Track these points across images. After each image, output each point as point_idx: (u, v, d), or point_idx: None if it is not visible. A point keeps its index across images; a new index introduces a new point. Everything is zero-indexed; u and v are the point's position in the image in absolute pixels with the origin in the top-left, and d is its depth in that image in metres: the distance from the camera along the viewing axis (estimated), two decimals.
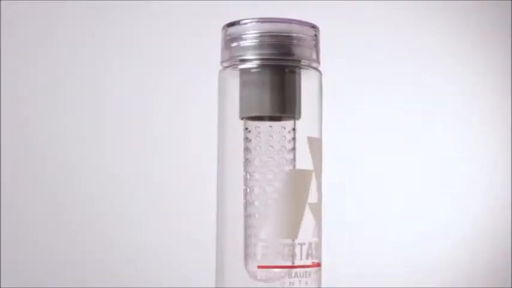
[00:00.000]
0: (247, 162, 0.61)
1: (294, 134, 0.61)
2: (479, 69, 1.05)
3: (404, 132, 1.04)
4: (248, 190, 0.61)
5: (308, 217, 0.60)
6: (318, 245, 0.60)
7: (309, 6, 0.98)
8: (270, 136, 0.61)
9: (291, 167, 0.61)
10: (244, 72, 0.61)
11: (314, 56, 0.62)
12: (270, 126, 0.61)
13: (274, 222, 0.60)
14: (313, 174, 0.60)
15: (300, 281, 0.59)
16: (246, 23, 0.61)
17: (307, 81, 0.61)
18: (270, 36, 0.60)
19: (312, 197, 0.60)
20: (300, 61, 0.61)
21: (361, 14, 1.03)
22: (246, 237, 0.60)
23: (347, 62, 1.00)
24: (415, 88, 1.04)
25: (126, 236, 1.01)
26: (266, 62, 0.60)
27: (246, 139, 0.61)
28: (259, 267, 0.60)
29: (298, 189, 0.60)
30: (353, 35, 1.02)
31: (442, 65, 1.05)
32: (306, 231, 0.60)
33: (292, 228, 0.59)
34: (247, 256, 0.60)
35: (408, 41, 1.04)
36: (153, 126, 1.01)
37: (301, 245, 0.60)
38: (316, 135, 0.61)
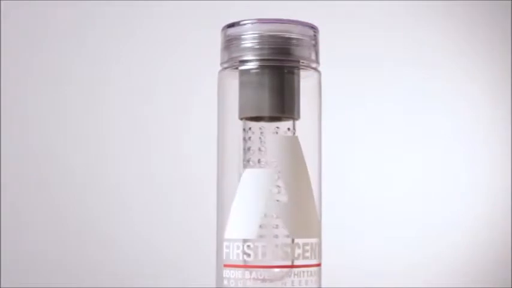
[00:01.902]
0: (246, 162, 0.61)
1: (293, 134, 0.61)
2: (479, 70, 1.05)
3: (404, 132, 1.04)
4: None
5: (269, 217, 0.60)
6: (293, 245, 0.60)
7: (308, 6, 0.98)
8: (269, 136, 0.61)
9: None
10: (243, 73, 0.61)
11: (313, 57, 0.62)
12: (268, 127, 0.61)
13: (234, 221, 0.60)
14: (277, 174, 0.59)
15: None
16: (246, 24, 0.61)
17: (306, 82, 0.62)
18: (269, 37, 0.60)
19: (276, 197, 0.59)
20: (299, 61, 0.61)
21: (360, 15, 1.03)
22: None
23: (346, 62, 1.00)
24: (414, 89, 1.04)
25: (126, 236, 1.01)
26: (265, 63, 0.60)
27: (245, 139, 0.61)
28: (224, 265, 0.60)
29: (254, 188, 0.60)
30: (352, 35, 1.02)
31: (442, 65, 1.05)
32: (268, 231, 0.60)
33: (250, 227, 0.59)
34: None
35: (408, 42, 1.04)
36: (153, 126, 1.01)
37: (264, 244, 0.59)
38: (281, 133, 0.61)
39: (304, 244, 0.60)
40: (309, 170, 0.61)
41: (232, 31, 0.61)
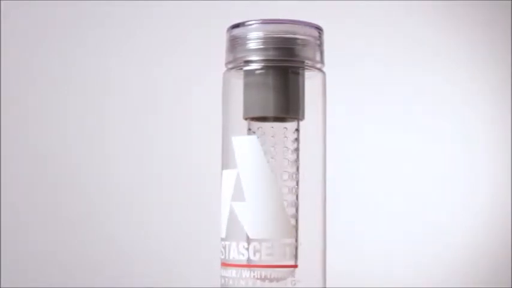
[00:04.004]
0: None
1: (298, 134, 0.61)
2: (479, 70, 1.05)
3: (404, 133, 1.04)
4: None
5: (233, 216, 0.61)
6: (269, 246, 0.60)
7: (313, 7, 0.98)
8: (273, 137, 0.61)
9: (295, 168, 0.61)
10: (248, 73, 0.61)
11: (318, 57, 0.62)
12: (273, 127, 0.61)
13: (221, 221, 0.61)
14: (240, 175, 0.60)
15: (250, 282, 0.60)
16: (250, 25, 0.61)
17: (311, 82, 0.62)
18: (274, 37, 0.60)
19: (239, 197, 0.60)
20: (303, 62, 0.61)
21: (365, 15, 1.03)
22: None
23: (351, 63, 1.00)
24: (415, 89, 1.04)
25: (126, 236, 1.01)
26: (270, 63, 0.60)
27: None
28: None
29: (226, 189, 0.61)
30: (357, 35, 1.02)
31: (443, 65, 1.05)
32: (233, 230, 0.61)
33: (222, 227, 0.61)
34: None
35: (409, 42, 1.04)
36: (156, 126, 1.01)
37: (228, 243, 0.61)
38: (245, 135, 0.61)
39: (267, 245, 0.60)
40: (307, 169, 0.62)
41: (237, 32, 0.61)
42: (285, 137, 0.61)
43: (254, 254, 0.60)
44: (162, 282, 0.99)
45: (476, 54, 1.05)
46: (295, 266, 0.60)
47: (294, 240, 0.60)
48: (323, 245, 0.62)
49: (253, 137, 0.60)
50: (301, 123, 0.61)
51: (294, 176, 0.61)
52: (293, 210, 0.61)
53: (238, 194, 0.60)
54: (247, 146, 0.60)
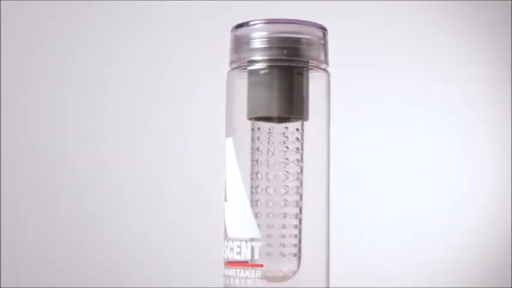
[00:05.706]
0: (254, 162, 0.61)
1: (302, 134, 0.61)
2: (479, 70, 1.06)
3: (404, 133, 1.04)
4: (255, 190, 0.61)
5: (226, 216, 0.61)
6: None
7: (317, 7, 0.98)
8: (277, 136, 0.61)
9: (298, 168, 0.61)
10: (252, 73, 0.61)
11: (322, 57, 0.62)
12: (276, 127, 0.61)
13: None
14: (226, 176, 0.61)
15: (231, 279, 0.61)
16: (255, 25, 0.61)
17: (315, 82, 0.62)
18: (278, 37, 0.60)
19: (225, 197, 0.61)
20: (307, 62, 0.61)
21: (369, 15, 1.03)
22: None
23: (355, 63, 1.00)
24: (419, 89, 1.04)
25: (126, 236, 1.01)
26: (274, 63, 0.60)
27: (254, 139, 0.61)
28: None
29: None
30: (361, 36, 1.02)
31: (443, 65, 1.06)
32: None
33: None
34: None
35: (408, 42, 1.05)
36: (159, 127, 1.01)
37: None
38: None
39: (237, 244, 0.60)
40: (311, 169, 0.62)
41: (241, 31, 0.61)
42: (286, 136, 0.61)
43: (230, 252, 0.60)
44: (162, 282, 0.99)
45: (476, 54, 1.05)
46: (261, 266, 0.60)
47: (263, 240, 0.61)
48: (326, 245, 0.62)
49: (229, 139, 0.61)
50: (305, 123, 0.61)
51: (288, 175, 0.61)
52: (297, 210, 0.61)
53: (224, 194, 0.61)
54: (228, 147, 0.61)
